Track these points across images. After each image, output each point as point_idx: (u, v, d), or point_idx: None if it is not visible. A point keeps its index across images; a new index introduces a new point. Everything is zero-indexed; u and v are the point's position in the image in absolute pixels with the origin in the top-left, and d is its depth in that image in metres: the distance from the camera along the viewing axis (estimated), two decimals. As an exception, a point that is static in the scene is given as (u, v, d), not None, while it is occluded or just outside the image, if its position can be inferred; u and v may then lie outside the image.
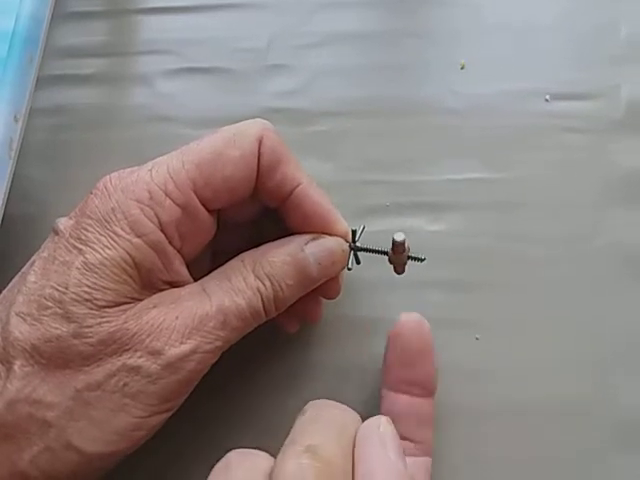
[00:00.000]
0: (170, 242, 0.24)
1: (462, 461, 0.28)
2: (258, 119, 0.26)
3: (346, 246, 0.27)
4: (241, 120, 0.34)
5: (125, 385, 0.22)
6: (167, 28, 0.37)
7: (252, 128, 0.26)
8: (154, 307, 0.24)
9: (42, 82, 0.34)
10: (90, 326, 0.22)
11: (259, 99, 0.35)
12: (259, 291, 0.24)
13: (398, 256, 0.27)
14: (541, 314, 0.30)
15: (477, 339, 0.30)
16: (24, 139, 0.31)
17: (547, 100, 0.34)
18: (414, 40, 0.36)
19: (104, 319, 0.23)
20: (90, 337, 0.22)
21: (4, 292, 0.25)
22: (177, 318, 0.23)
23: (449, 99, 0.34)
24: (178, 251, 0.25)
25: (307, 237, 0.26)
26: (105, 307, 0.23)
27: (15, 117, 0.29)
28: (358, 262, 0.28)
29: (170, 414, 0.24)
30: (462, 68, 0.35)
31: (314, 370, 0.30)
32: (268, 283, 0.25)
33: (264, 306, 0.25)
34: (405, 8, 0.37)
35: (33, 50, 0.30)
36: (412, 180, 0.33)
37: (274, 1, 0.37)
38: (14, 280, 0.25)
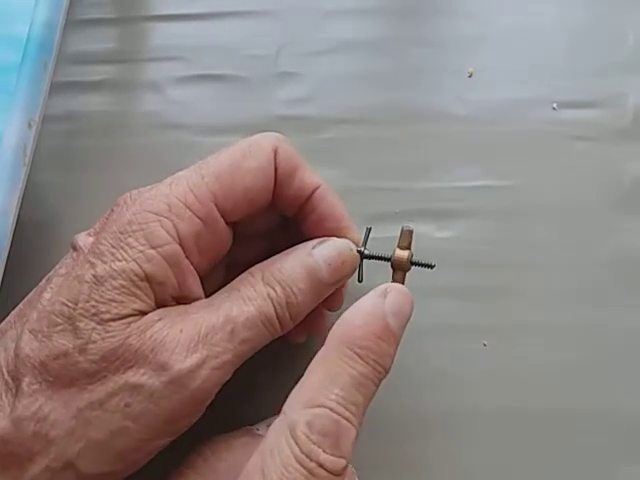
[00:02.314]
0: (187, 256, 0.24)
1: (466, 465, 0.28)
2: (271, 132, 0.27)
3: (354, 247, 0.26)
4: (250, 126, 0.34)
5: (127, 406, 0.22)
6: (177, 35, 0.37)
7: (266, 139, 0.26)
8: (159, 320, 0.23)
9: (53, 88, 0.35)
10: (94, 342, 0.22)
11: (269, 106, 0.35)
12: (269, 297, 0.24)
13: (402, 254, 0.26)
14: (548, 320, 0.30)
15: (484, 345, 0.30)
16: (36, 145, 0.31)
17: (554, 108, 0.34)
18: (422, 48, 0.36)
19: (108, 334, 0.22)
20: (94, 354, 0.22)
21: (20, 306, 0.24)
22: (181, 331, 0.23)
23: (457, 106, 0.35)
24: (195, 267, 0.24)
25: (314, 241, 0.26)
26: (109, 320, 0.22)
27: (29, 123, 0.29)
28: (360, 280, 0.27)
29: (174, 437, 0.23)
30: (470, 76, 0.35)
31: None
32: (279, 288, 0.24)
33: (277, 313, 0.24)
34: (413, 16, 0.37)
35: (47, 56, 0.31)
36: (421, 187, 0.33)
37: (284, 9, 0.37)
38: (30, 295, 0.25)
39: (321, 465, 0.20)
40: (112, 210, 0.25)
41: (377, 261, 0.27)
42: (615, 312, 0.30)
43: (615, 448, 0.28)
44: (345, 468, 0.20)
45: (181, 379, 0.22)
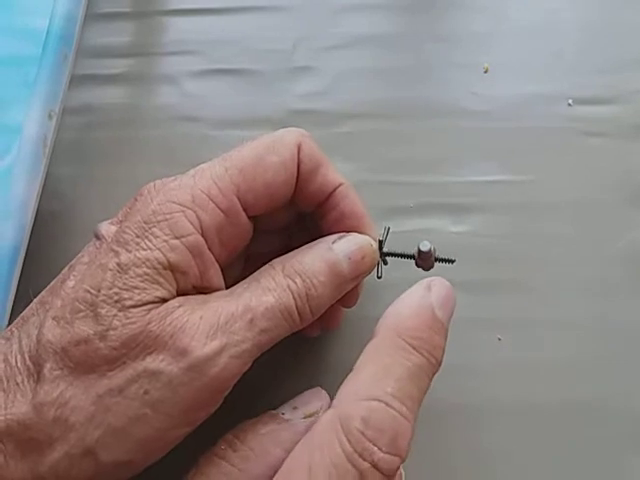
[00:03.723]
0: (209, 247, 0.24)
1: (479, 457, 0.28)
2: (295, 128, 0.27)
3: (375, 243, 0.27)
4: (266, 120, 0.35)
5: (145, 393, 0.22)
6: (194, 29, 0.37)
7: (290, 135, 0.26)
8: (179, 306, 0.23)
9: (71, 81, 0.35)
10: (115, 328, 0.22)
11: (284, 100, 0.35)
12: (290, 288, 0.24)
13: (425, 262, 0.27)
14: (562, 315, 0.30)
15: (499, 339, 0.30)
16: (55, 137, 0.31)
17: (570, 104, 0.34)
18: (437, 43, 0.36)
19: (129, 320, 0.22)
20: (114, 340, 0.22)
21: (43, 293, 0.25)
22: (201, 318, 0.23)
23: (472, 102, 0.35)
24: (216, 259, 0.24)
25: (334, 236, 0.26)
26: (130, 307, 0.22)
27: (49, 114, 0.29)
28: (379, 276, 0.28)
29: (193, 428, 0.23)
30: (486, 71, 0.35)
31: (334, 371, 0.30)
32: (299, 280, 0.24)
33: (297, 305, 0.24)
34: (428, 11, 0.37)
35: (67, 49, 0.31)
36: (436, 181, 0.33)
37: (299, 4, 0.37)
38: (52, 283, 0.25)
39: (375, 465, 0.19)
40: (135, 200, 0.25)
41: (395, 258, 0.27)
42: (628, 306, 0.30)
43: (625, 439, 0.28)
44: (398, 468, 0.19)
45: (200, 365, 0.22)
